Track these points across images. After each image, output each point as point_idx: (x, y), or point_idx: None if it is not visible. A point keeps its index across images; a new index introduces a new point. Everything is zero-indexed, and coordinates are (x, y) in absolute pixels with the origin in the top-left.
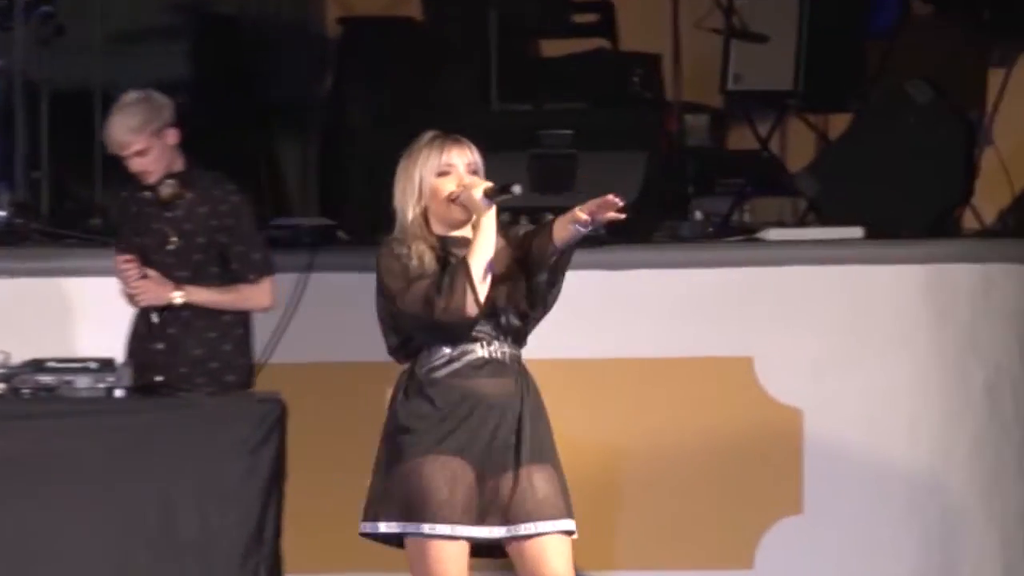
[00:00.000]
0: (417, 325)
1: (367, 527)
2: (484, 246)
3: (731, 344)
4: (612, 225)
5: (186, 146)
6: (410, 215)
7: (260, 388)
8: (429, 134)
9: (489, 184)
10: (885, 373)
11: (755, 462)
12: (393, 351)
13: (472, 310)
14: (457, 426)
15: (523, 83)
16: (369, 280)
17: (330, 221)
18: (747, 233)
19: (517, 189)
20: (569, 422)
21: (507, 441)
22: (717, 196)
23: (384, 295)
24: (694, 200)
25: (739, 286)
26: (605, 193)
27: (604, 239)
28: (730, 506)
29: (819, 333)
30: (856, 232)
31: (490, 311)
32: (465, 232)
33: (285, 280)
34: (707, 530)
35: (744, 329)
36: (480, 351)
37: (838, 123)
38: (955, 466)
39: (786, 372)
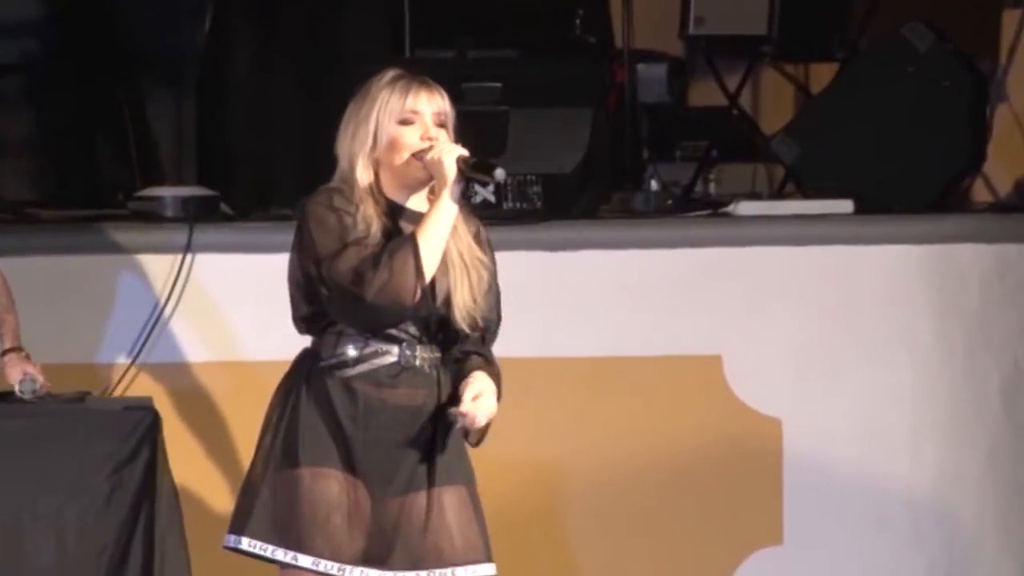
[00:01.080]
0: (339, 302)
1: (230, 540)
2: (441, 223)
3: (696, 341)
4: (549, 193)
5: (36, 102)
6: (359, 167)
7: (130, 393)
8: (391, 72)
9: (465, 152)
10: (881, 374)
11: (726, 483)
12: (299, 321)
13: (412, 297)
14: (358, 438)
15: (442, 25)
16: (258, 264)
17: (210, 191)
18: (713, 207)
19: (500, 174)
20: (500, 435)
21: (415, 460)
22: (677, 162)
23: (305, 252)
24: (649, 167)
25: (704, 270)
26: (541, 159)
27: (541, 213)
28: (696, 536)
29: (800, 327)
30: (844, 206)
31: (424, 312)
32: (419, 204)
33: (157, 263)
34: (669, 566)
35: (711, 322)
36: (395, 355)
37: (821, 75)
38: (965, 485)
39: (761, 374)
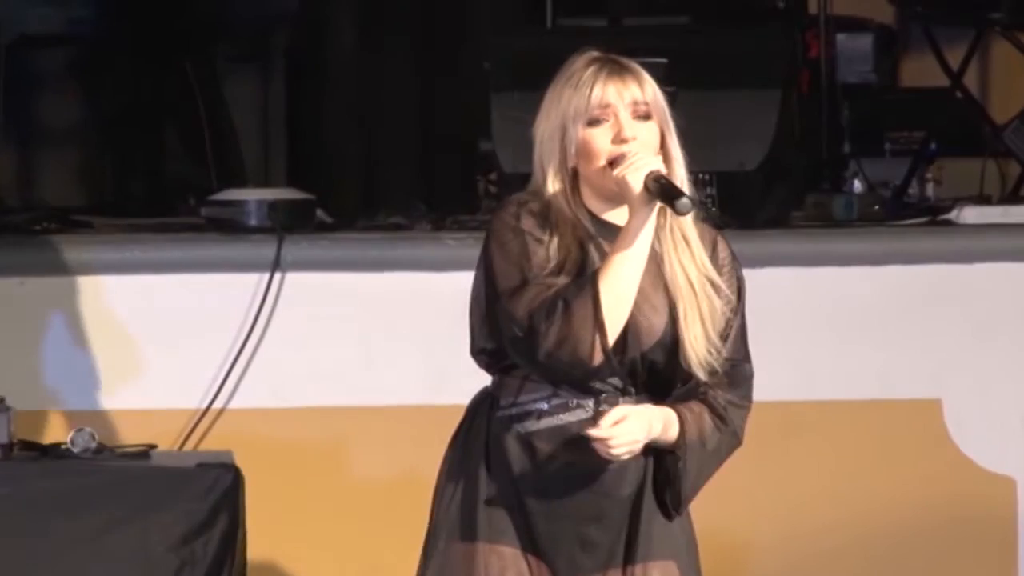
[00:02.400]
0: (513, 349)
1: None
2: (627, 260)
3: (910, 381)
4: (727, 195)
5: (86, 82)
6: (550, 180)
7: (205, 446)
8: (584, 56)
9: (658, 167)
10: None
11: (948, 555)
12: (479, 354)
13: (591, 356)
14: (538, 510)
15: None
16: (363, 284)
17: (305, 194)
18: (932, 213)
19: (684, 205)
20: None
21: (612, 535)
22: (886, 158)
23: (488, 280)
24: (852, 163)
25: (920, 293)
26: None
27: (717, 220)
28: None
29: None
30: None
31: (631, 354)
32: (617, 217)
33: (239, 283)
34: None
35: (929, 358)
36: (590, 410)
37: None
38: None
39: (990, 422)
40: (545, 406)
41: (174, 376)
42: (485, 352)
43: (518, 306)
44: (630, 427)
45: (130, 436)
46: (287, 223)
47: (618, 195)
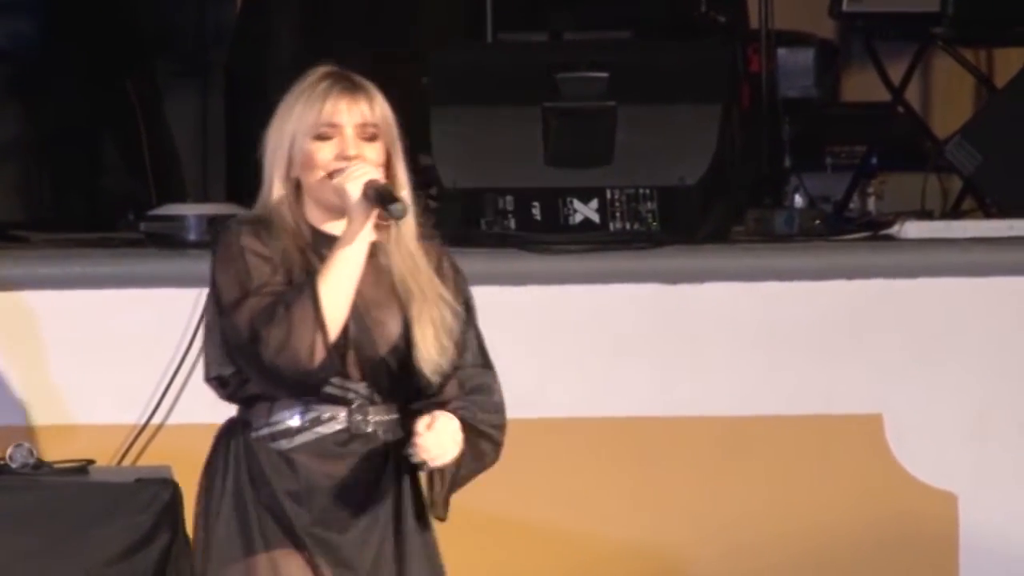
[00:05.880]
0: (242, 363)
1: None
2: (344, 263)
3: (851, 396)
4: (667, 211)
5: (25, 97)
6: (276, 189)
7: (143, 462)
8: (318, 71)
9: (376, 177)
10: None
11: (890, 567)
12: (213, 380)
13: (311, 357)
14: (304, 521)
15: (534, 2)
16: None
17: (244, 210)
18: (874, 228)
19: (398, 210)
20: (613, 515)
21: (378, 543)
22: (827, 172)
23: (214, 300)
24: (793, 178)
25: (862, 308)
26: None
27: (657, 237)
28: None
29: (981, 379)
30: None
31: (367, 361)
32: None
33: (177, 299)
34: None
35: (869, 373)
36: (343, 421)
37: (1009, 62)
38: None
39: (932, 438)
40: (298, 422)
41: (112, 391)
42: (221, 378)
43: (240, 315)
44: (445, 425)
45: (68, 452)
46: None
47: (338, 207)
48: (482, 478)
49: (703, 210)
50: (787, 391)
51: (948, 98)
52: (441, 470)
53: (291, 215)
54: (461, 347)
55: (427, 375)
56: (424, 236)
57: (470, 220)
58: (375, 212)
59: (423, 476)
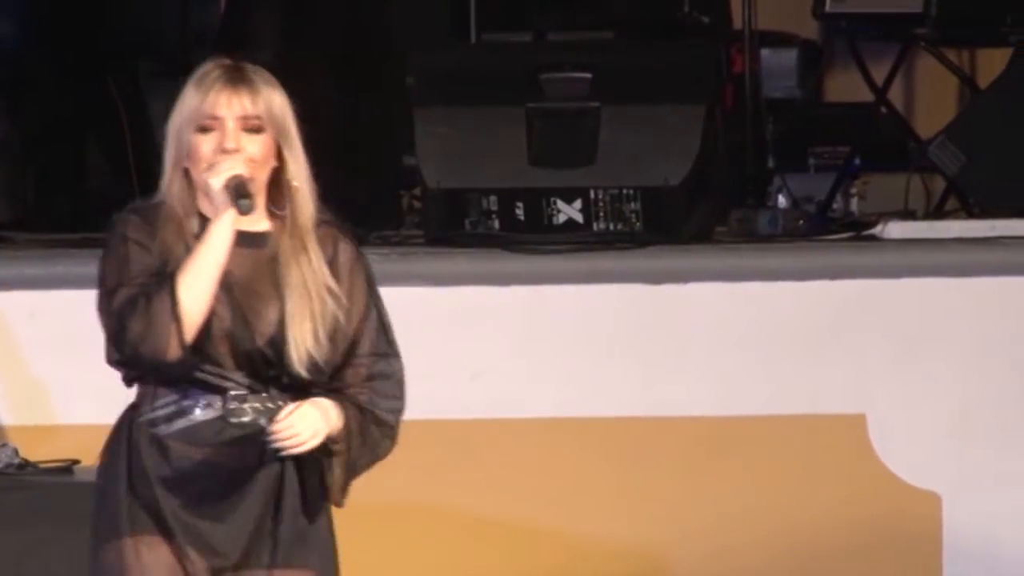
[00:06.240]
0: (116, 350)
1: None
2: (204, 257)
3: (834, 396)
4: (651, 211)
5: (9, 98)
6: (167, 178)
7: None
8: (212, 63)
9: (240, 172)
10: None
11: (873, 567)
12: (113, 364)
13: (171, 352)
14: (174, 508)
15: (517, 2)
16: None
17: None
18: (857, 229)
19: (245, 206)
20: (596, 515)
21: (250, 533)
22: (811, 173)
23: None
24: (776, 179)
25: (845, 308)
26: (640, 169)
27: (641, 237)
28: None
29: (964, 379)
30: (1020, 227)
31: (243, 351)
32: (248, 223)
33: None
34: None
35: (853, 374)
36: (218, 409)
37: (992, 63)
38: None
39: (915, 438)
40: (174, 408)
41: (97, 391)
42: (114, 361)
43: (112, 303)
44: (307, 417)
45: (53, 452)
46: None
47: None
48: (466, 477)
49: (687, 210)
50: (771, 391)
51: (931, 99)
52: (330, 457)
53: (181, 206)
54: (358, 336)
55: (295, 367)
56: (322, 222)
57: (454, 220)
58: (233, 208)
59: (325, 464)
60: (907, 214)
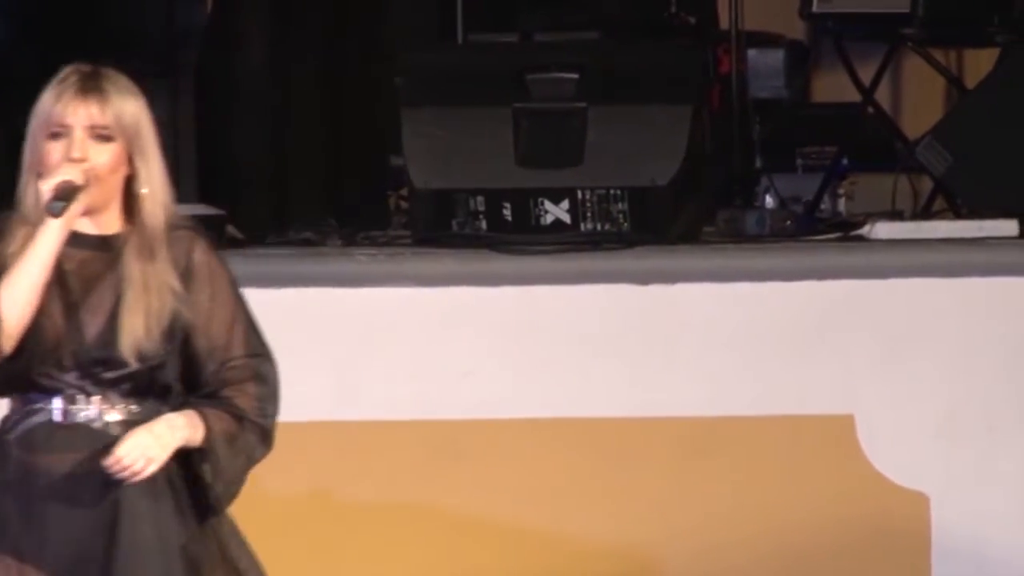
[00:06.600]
0: None
1: None
2: (29, 263)
3: (822, 397)
4: (638, 211)
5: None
6: (23, 184)
7: None
8: (71, 68)
9: (69, 178)
10: None
11: (862, 568)
12: None
13: None
14: (13, 514)
15: (503, 1)
16: (274, 300)
17: (215, 210)
18: (844, 229)
19: (55, 207)
20: (581, 516)
21: (88, 545)
22: (798, 173)
23: None
24: (764, 179)
25: (832, 308)
26: (627, 169)
27: (628, 237)
28: None
29: (952, 379)
30: (1007, 227)
31: (75, 353)
32: (108, 225)
33: None
34: None
35: (840, 374)
36: (54, 412)
37: (979, 64)
38: None
39: (903, 438)
40: (18, 414)
41: None
42: None
43: None
44: (137, 441)
45: None
46: None
47: (87, 205)
48: (454, 477)
49: (674, 211)
50: (758, 392)
51: (918, 99)
52: (204, 463)
53: (34, 211)
54: (229, 338)
55: (126, 358)
56: (179, 227)
57: (441, 221)
58: (72, 211)
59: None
60: (895, 214)
